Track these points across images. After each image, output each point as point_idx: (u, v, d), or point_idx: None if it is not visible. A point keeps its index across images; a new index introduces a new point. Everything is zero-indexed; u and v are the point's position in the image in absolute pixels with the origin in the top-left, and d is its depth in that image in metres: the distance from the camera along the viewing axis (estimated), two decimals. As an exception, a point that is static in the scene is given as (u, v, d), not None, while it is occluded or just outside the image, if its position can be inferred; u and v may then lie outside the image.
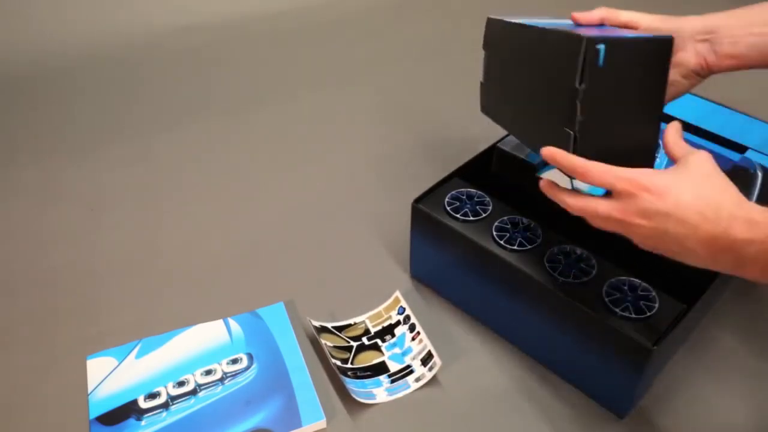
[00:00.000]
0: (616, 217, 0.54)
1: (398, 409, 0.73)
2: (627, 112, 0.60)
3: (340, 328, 0.81)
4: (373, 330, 0.81)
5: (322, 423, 0.71)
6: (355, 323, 0.82)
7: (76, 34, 1.47)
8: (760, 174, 0.81)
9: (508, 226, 0.77)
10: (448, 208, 0.80)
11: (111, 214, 1.00)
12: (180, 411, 0.72)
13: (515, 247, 0.75)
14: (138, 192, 1.05)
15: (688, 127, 0.89)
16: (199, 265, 0.91)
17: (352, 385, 0.74)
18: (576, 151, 0.59)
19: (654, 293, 0.69)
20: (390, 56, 1.43)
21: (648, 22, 0.65)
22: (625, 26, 0.66)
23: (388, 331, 0.81)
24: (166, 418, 0.71)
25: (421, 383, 0.75)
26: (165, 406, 0.72)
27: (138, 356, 0.78)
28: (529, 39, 0.68)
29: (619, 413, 0.72)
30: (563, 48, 0.59)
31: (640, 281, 0.71)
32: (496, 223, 0.78)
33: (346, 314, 0.83)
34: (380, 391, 0.74)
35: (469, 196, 0.82)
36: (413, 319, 0.80)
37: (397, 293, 0.83)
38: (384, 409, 0.73)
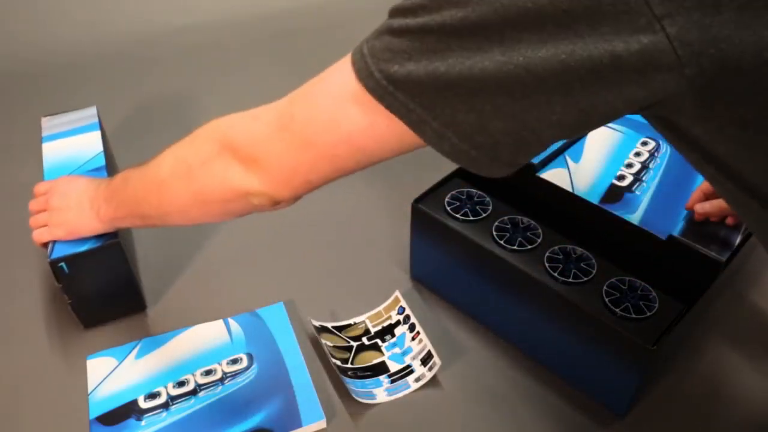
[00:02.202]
0: None
1: (398, 409, 0.73)
2: None
3: (340, 328, 0.81)
4: (373, 330, 0.81)
5: (322, 423, 0.71)
6: (355, 323, 0.82)
7: (76, 33, 1.47)
8: None
9: (508, 226, 0.77)
10: (448, 208, 0.80)
11: (111, 214, 1.00)
12: (180, 411, 0.72)
13: (515, 247, 0.75)
14: (138, 192, 1.05)
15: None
16: (199, 265, 0.91)
17: (352, 385, 0.74)
18: None
19: (654, 293, 0.69)
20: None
21: None
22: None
23: (388, 331, 0.81)
24: (166, 418, 0.71)
25: (421, 383, 0.75)
26: (165, 406, 0.72)
27: (138, 356, 0.78)
28: None
29: (619, 413, 0.72)
30: None
31: (640, 281, 0.71)
32: (496, 223, 0.78)
33: (346, 314, 0.83)
34: (380, 391, 0.74)
35: (469, 196, 0.82)
36: (413, 319, 0.80)
37: (397, 293, 0.84)
38: (384, 409, 0.73)
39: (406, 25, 0.42)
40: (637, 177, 0.82)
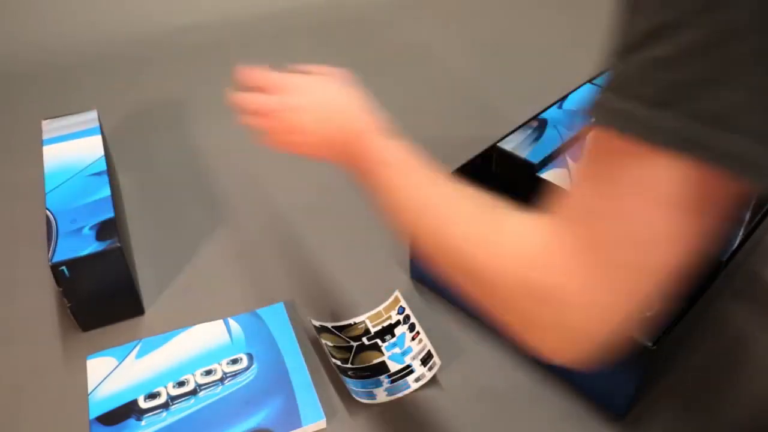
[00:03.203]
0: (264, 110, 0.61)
1: (398, 409, 0.73)
2: None
3: (340, 328, 0.81)
4: (373, 330, 0.81)
5: (322, 423, 0.71)
6: (355, 323, 0.82)
7: (76, 33, 1.47)
8: None
9: (508, 226, 0.77)
10: (448, 208, 0.80)
11: (111, 214, 1.00)
12: (180, 411, 0.72)
13: (515, 247, 0.74)
14: (138, 192, 1.05)
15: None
16: (199, 266, 0.91)
17: (352, 385, 0.74)
18: None
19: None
20: (390, 56, 1.43)
21: None
22: None
23: (388, 331, 0.81)
24: (166, 418, 0.71)
25: (421, 383, 0.75)
26: (165, 406, 0.72)
27: (138, 356, 0.78)
28: None
29: (619, 413, 0.72)
30: None
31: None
32: (496, 223, 0.78)
33: (346, 314, 0.83)
34: (380, 391, 0.74)
35: (469, 196, 0.82)
36: (413, 319, 0.80)
37: (397, 293, 0.84)
38: (384, 409, 0.73)
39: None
40: None
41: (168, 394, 0.74)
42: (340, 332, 0.81)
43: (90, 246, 0.76)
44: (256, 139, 0.63)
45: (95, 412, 0.72)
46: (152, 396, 0.73)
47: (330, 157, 0.62)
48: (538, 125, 0.91)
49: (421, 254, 0.51)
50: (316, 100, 0.62)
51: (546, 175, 0.82)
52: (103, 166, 0.88)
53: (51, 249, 0.76)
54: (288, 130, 0.63)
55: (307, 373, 0.75)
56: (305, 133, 0.62)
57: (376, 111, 0.61)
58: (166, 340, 0.80)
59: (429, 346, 0.77)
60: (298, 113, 0.62)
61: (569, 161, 0.85)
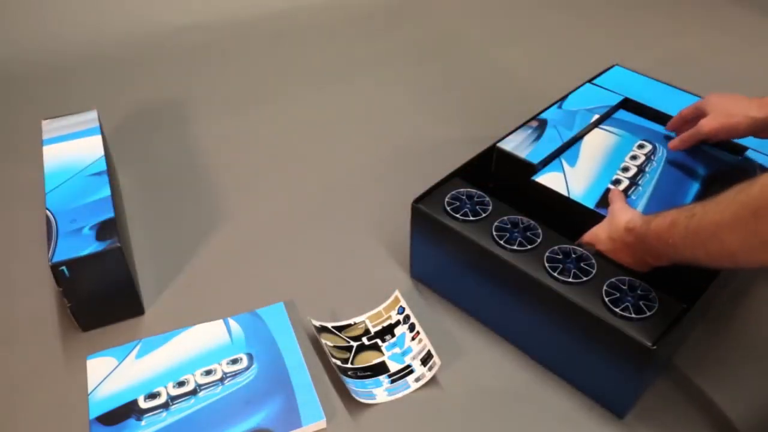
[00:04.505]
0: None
1: (398, 409, 0.73)
2: None
3: (340, 328, 0.81)
4: (373, 330, 0.81)
5: (322, 423, 0.71)
6: (355, 323, 0.82)
7: (76, 34, 1.47)
8: (760, 174, 0.80)
9: (508, 226, 0.77)
10: (448, 208, 0.80)
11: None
12: (180, 411, 0.72)
13: (515, 247, 0.75)
14: (138, 192, 1.05)
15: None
16: (199, 266, 0.91)
17: (352, 385, 0.74)
18: None
19: (654, 293, 0.69)
20: (390, 56, 1.43)
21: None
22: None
23: (388, 330, 0.81)
24: (166, 418, 0.71)
25: (421, 383, 0.75)
26: (165, 406, 0.72)
27: (138, 356, 0.78)
28: None
29: (619, 413, 0.72)
30: None
31: (640, 281, 0.71)
32: (496, 223, 0.78)
33: (346, 314, 0.83)
34: (380, 391, 0.74)
35: (469, 196, 0.82)
36: (413, 319, 0.80)
37: (397, 293, 0.84)
38: (384, 409, 0.73)
39: None
40: (633, 181, 0.83)
41: (168, 394, 0.74)
42: (340, 332, 0.81)
43: (90, 246, 0.76)
44: None
45: (95, 412, 0.72)
46: (152, 396, 0.73)
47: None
48: (538, 125, 0.91)
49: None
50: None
51: (542, 179, 0.82)
52: (103, 166, 0.88)
53: (51, 249, 0.76)
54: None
55: (307, 373, 0.75)
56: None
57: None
58: (166, 340, 0.80)
59: (429, 346, 0.77)
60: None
61: (565, 165, 0.85)
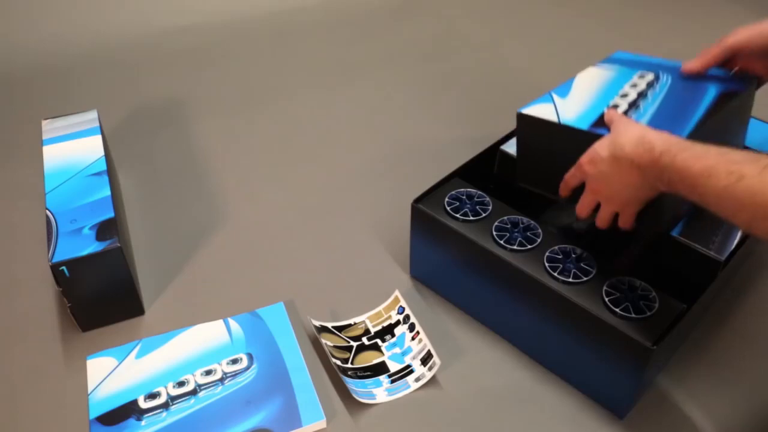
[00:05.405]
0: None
1: (398, 409, 0.73)
2: None
3: (340, 328, 0.81)
4: (373, 330, 0.81)
5: (322, 423, 0.71)
6: (355, 323, 0.82)
7: (76, 34, 1.47)
8: None
9: (508, 226, 0.77)
10: (448, 208, 0.80)
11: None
12: (180, 411, 0.72)
13: (515, 247, 0.75)
14: (138, 192, 1.05)
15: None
16: (199, 266, 0.91)
17: (352, 385, 0.74)
18: None
19: (654, 293, 0.69)
20: (390, 56, 1.43)
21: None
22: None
23: (388, 330, 0.81)
24: (166, 418, 0.71)
25: (421, 383, 0.75)
26: (165, 406, 0.72)
27: (138, 356, 0.78)
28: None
29: (619, 413, 0.72)
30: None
31: (640, 281, 0.71)
32: (496, 223, 0.78)
33: (346, 314, 0.83)
34: (380, 391, 0.74)
35: (469, 196, 0.82)
36: (413, 319, 0.80)
37: (397, 293, 0.84)
38: (384, 409, 0.73)
39: None
40: (634, 103, 0.73)
41: (168, 394, 0.74)
42: (340, 332, 0.81)
43: (90, 246, 0.76)
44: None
45: (95, 412, 0.72)
46: (152, 396, 0.73)
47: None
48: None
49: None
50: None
51: (529, 110, 0.74)
52: (103, 166, 0.88)
53: (51, 249, 0.76)
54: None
55: (307, 373, 0.75)
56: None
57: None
58: (166, 340, 0.80)
59: (429, 346, 0.77)
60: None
61: (555, 97, 0.76)
